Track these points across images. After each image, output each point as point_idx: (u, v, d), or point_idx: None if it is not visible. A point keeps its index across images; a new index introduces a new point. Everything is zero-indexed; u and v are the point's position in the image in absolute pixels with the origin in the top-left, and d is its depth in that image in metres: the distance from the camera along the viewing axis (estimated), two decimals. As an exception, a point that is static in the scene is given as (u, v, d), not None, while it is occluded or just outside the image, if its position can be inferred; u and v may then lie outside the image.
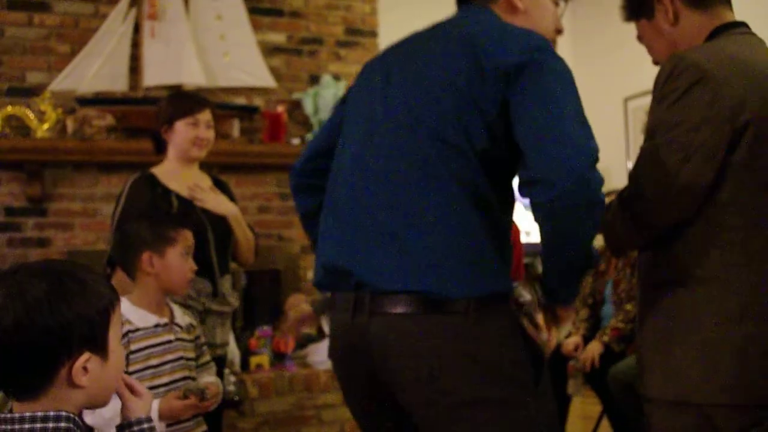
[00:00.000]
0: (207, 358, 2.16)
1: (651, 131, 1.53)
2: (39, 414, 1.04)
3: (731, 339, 1.48)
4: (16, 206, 3.94)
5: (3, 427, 1.06)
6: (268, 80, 4.39)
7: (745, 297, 1.48)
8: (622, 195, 1.59)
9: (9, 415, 1.06)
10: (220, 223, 2.68)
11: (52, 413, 1.05)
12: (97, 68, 3.99)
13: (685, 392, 1.51)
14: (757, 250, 1.50)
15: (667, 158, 1.47)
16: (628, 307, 3.42)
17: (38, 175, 3.92)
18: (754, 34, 1.65)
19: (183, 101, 2.75)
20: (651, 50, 1.76)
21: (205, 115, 2.70)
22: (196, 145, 2.68)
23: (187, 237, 2.12)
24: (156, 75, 4.11)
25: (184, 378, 2.01)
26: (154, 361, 1.97)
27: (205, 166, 2.88)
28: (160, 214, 2.47)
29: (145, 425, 1.25)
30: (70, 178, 4.03)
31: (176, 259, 2.05)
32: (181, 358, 2.02)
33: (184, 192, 2.65)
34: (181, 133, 2.67)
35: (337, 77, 4.59)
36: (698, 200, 1.49)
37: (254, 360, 3.96)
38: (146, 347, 1.98)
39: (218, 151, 3.00)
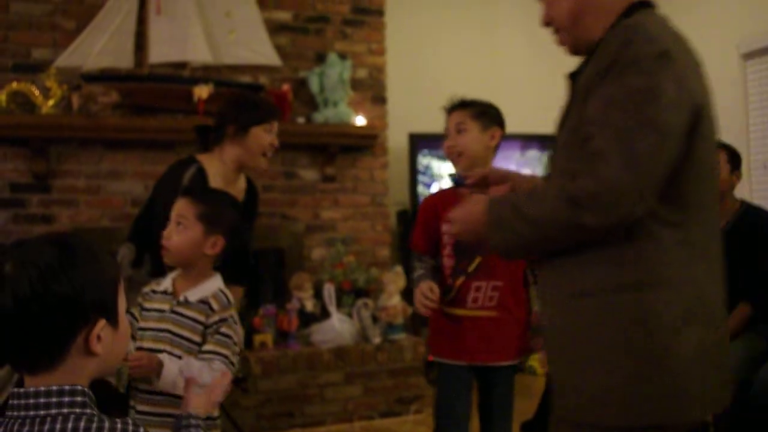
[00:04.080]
0: (210, 347, 1.95)
1: (614, 104, 1.33)
2: (54, 388, 1.04)
3: (677, 345, 1.35)
4: (21, 183, 3.94)
5: (17, 402, 1.04)
6: (273, 58, 4.36)
7: (689, 300, 1.37)
8: (570, 187, 1.34)
9: (23, 390, 1.04)
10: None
11: (67, 387, 1.04)
12: (102, 45, 3.97)
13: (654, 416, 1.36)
14: (699, 248, 1.40)
15: (643, 143, 1.29)
16: None
17: (43, 151, 3.91)
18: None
19: (262, 106, 2.67)
20: (551, 7, 1.56)
21: (277, 124, 2.66)
22: (266, 154, 2.63)
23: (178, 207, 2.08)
24: (161, 52, 4.09)
25: (164, 351, 1.96)
26: (141, 324, 2.02)
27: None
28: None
29: (192, 421, 1.33)
30: (75, 155, 4.03)
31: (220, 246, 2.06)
32: (166, 330, 1.98)
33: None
34: (257, 138, 2.59)
35: (343, 56, 4.56)
36: (659, 192, 1.34)
37: (258, 338, 3.98)
38: (144, 309, 2.05)
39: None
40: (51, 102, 3.87)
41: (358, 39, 4.71)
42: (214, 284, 2.04)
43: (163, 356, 1.91)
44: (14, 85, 3.84)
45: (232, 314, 2.00)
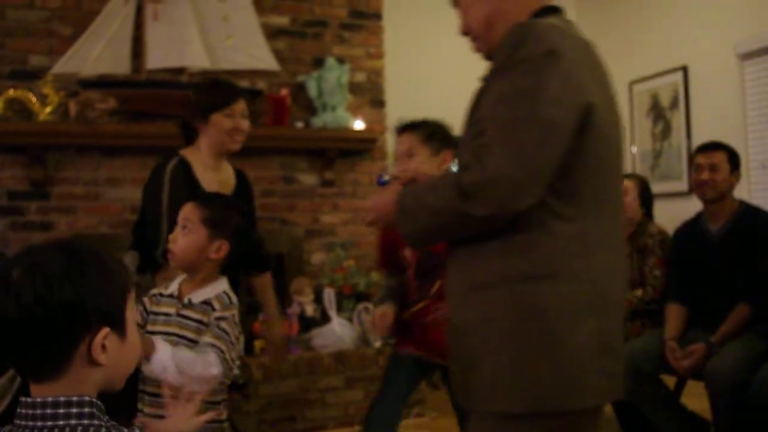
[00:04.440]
0: (207, 339, 1.94)
1: (502, 100, 1.41)
2: (62, 399, 1.03)
3: (570, 336, 1.41)
4: (19, 190, 3.93)
5: (25, 411, 1.03)
6: (271, 63, 4.36)
7: (583, 292, 1.43)
8: (456, 179, 1.42)
9: (30, 400, 1.04)
10: None
11: (75, 398, 1.03)
12: (99, 51, 3.97)
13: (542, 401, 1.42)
14: (595, 241, 1.44)
15: (525, 136, 1.36)
16: (638, 292, 3.42)
17: (41, 158, 3.91)
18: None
19: (217, 92, 2.67)
20: (466, 14, 1.64)
21: (240, 105, 2.63)
22: (233, 137, 2.61)
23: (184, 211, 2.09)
24: (159, 58, 4.09)
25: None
26: (149, 327, 2.01)
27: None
28: None
29: None
30: (73, 162, 4.02)
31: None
32: (174, 334, 1.98)
33: (211, 187, 2.59)
34: (217, 125, 2.59)
35: (341, 60, 4.56)
36: (547, 185, 1.40)
37: (258, 344, 3.97)
38: (152, 313, 2.04)
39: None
40: (48, 109, 3.86)
41: (356, 43, 4.71)
42: (219, 287, 2.04)
43: (156, 338, 1.90)
44: (11, 92, 3.83)
45: (234, 314, 2.00)
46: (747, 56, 4.30)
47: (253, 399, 3.84)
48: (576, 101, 1.40)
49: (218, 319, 1.97)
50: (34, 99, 3.85)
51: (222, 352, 1.90)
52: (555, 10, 1.60)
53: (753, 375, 2.75)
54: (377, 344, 4.13)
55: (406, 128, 2.40)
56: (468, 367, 1.51)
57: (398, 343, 2.55)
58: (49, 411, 1.02)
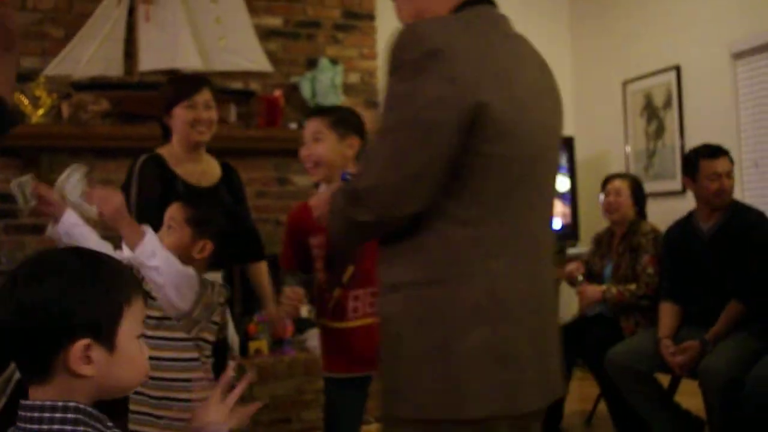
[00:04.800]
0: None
1: (386, 107, 1.40)
2: (48, 403, 1.03)
3: (460, 343, 1.37)
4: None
5: (22, 413, 1.05)
6: (264, 64, 4.36)
7: (478, 297, 1.37)
8: (349, 185, 1.44)
9: (28, 402, 1.05)
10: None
11: (60, 403, 1.03)
12: (91, 53, 3.96)
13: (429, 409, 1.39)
14: (496, 246, 1.39)
15: (404, 140, 1.35)
16: (631, 286, 3.43)
17: (34, 161, 3.89)
18: (498, 11, 1.52)
19: (177, 85, 2.69)
20: (399, 13, 1.64)
21: (203, 96, 2.61)
22: (196, 129, 2.60)
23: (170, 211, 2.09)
24: (151, 59, 4.08)
25: (173, 359, 1.98)
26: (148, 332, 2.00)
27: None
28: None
29: None
30: (66, 164, 3.98)
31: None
32: (163, 338, 1.99)
33: (192, 179, 2.60)
34: (180, 117, 2.59)
35: (334, 61, 4.56)
36: (434, 189, 1.37)
37: (253, 345, 3.97)
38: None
39: (214, 136, 2.97)
40: (41, 111, 3.85)
41: (350, 44, 4.71)
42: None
43: (144, 226, 1.95)
44: (4, 94, 3.82)
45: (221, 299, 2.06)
46: (740, 56, 4.31)
47: (248, 400, 3.81)
48: (461, 101, 1.33)
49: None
50: (26, 101, 3.84)
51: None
52: (476, 2, 1.49)
53: (747, 373, 2.76)
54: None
55: (315, 113, 2.42)
56: (381, 369, 1.51)
57: (327, 365, 2.44)
58: (36, 414, 1.03)
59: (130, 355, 1.09)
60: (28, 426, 1.03)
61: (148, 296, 2.06)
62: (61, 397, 1.04)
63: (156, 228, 2.03)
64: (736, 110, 4.35)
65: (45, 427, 1.02)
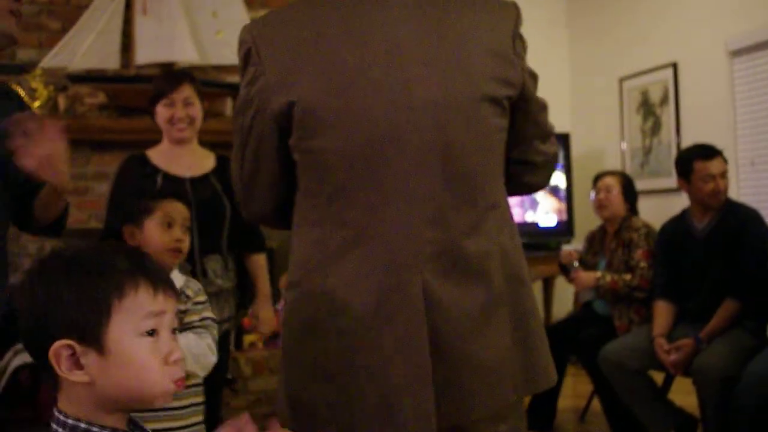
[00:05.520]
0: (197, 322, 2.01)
1: None
2: (60, 418, 0.99)
3: (296, 353, 1.32)
4: (8, 184, 3.90)
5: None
6: (261, 58, 4.34)
7: (315, 305, 1.29)
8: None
9: (54, 410, 1.01)
10: (208, 203, 2.61)
11: (61, 417, 0.98)
12: (88, 45, 3.95)
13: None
14: (335, 249, 1.26)
15: (236, 147, 1.38)
16: (626, 276, 3.44)
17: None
18: None
19: (159, 82, 2.69)
20: None
21: (182, 93, 2.60)
22: (175, 126, 2.61)
23: (167, 207, 2.09)
24: (148, 53, 4.07)
25: None
26: None
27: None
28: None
29: None
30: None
31: (153, 229, 2.04)
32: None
33: (180, 171, 2.61)
34: (160, 115, 2.62)
35: (331, 55, 4.55)
36: (275, 190, 1.36)
37: (248, 339, 3.97)
38: None
39: (210, 130, 2.98)
40: (37, 103, 3.84)
41: (346, 38, 4.70)
42: (181, 278, 2.06)
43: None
44: (-1, 86, 3.81)
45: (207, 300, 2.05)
46: (737, 53, 4.32)
47: (242, 394, 3.83)
48: (265, 102, 1.28)
49: (196, 304, 1.98)
50: (22, 93, 3.82)
51: (213, 341, 1.94)
52: None
53: (741, 371, 2.77)
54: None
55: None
56: None
57: None
58: (53, 426, 0.99)
59: (128, 357, 0.97)
60: None
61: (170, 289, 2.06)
62: (70, 406, 0.99)
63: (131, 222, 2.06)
64: (733, 108, 4.36)
65: None
